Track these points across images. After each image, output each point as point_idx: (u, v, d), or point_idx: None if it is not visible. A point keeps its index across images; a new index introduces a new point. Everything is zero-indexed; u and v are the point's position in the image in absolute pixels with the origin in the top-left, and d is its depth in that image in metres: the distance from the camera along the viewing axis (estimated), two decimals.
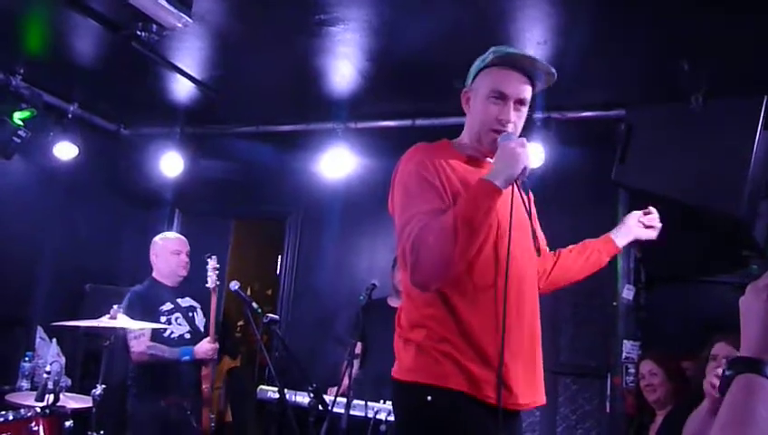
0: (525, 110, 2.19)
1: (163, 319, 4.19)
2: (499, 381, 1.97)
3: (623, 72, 4.09)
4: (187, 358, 4.11)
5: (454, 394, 1.98)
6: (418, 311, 2.09)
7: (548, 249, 2.44)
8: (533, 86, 2.19)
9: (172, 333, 4.23)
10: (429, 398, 1.99)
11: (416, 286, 2.01)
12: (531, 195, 2.21)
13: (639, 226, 2.51)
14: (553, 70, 2.16)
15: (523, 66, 2.15)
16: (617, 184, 4.13)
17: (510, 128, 2.13)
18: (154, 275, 4.41)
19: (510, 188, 2.04)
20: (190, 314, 4.36)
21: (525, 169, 2.00)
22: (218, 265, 4.34)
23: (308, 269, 6.00)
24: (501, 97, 2.14)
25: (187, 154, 5.65)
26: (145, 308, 4.14)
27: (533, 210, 2.29)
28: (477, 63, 2.22)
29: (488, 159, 2.20)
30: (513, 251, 2.04)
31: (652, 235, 2.51)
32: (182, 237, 4.54)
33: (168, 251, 4.38)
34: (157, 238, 4.53)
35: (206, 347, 4.14)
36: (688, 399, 3.46)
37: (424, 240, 1.91)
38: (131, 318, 3.85)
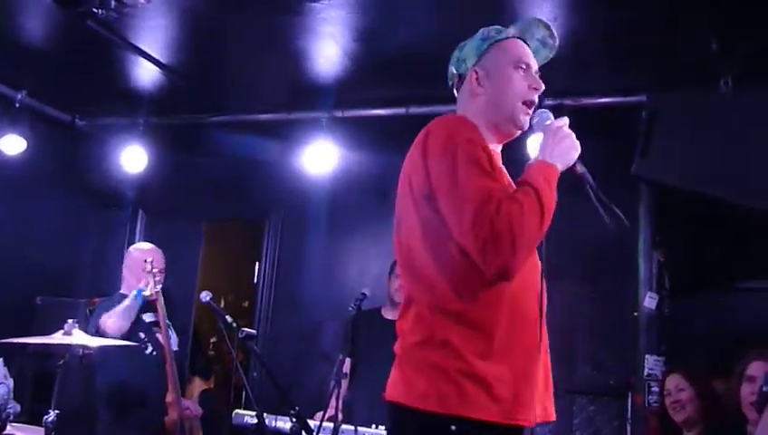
0: None
1: (142, 335, 4.23)
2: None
3: (643, 52, 4.08)
4: (137, 294, 4.23)
5: (481, 425, 1.92)
6: (438, 323, 1.99)
7: None
8: None
9: (153, 351, 4.34)
10: (453, 427, 1.91)
11: (497, 273, 1.90)
12: None
13: None
14: (556, 45, 2.28)
15: (534, 39, 2.27)
16: (637, 179, 4.13)
17: (536, 97, 2.20)
18: (123, 290, 4.45)
19: None
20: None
21: (579, 157, 2.08)
22: (155, 269, 4.34)
23: (289, 277, 5.98)
24: (527, 67, 2.21)
25: (152, 148, 5.62)
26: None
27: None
28: (488, 36, 2.26)
29: (497, 145, 2.24)
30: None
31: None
32: (156, 250, 4.58)
33: (139, 266, 4.42)
34: (131, 248, 4.67)
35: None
36: (720, 420, 3.47)
37: (517, 217, 1.86)
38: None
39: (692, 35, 3.72)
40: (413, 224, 2.05)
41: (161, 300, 4.25)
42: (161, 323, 4.22)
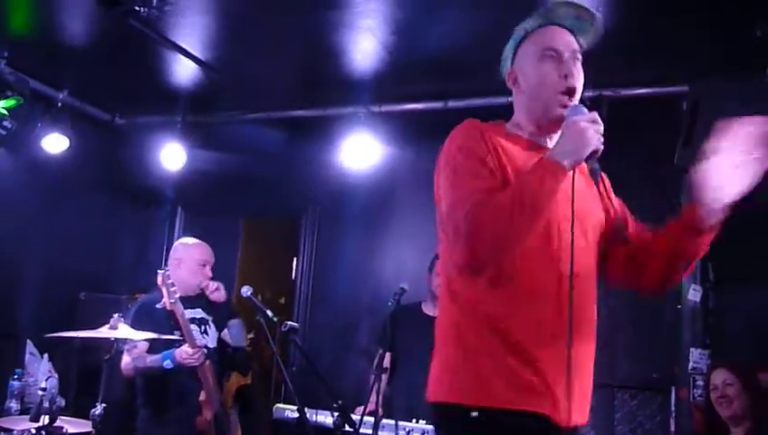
0: (581, 66, 2.19)
1: (177, 334, 4.21)
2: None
3: (685, 41, 4.04)
4: (168, 362, 4.09)
5: (499, 413, 1.98)
6: (460, 311, 2.10)
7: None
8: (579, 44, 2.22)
9: None
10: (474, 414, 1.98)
11: (466, 268, 2.03)
12: (604, 177, 2.21)
13: (720, 172, 2.06)
14: (599, 17, 2.21)
15: (566, 19, 2.21)
16: (680, 170, 4.09)
17: (573, 83, 2.13)
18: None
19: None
20: (202, 328, 4.42)
21: (596, 152, 2.01)
22: (170, 281, 4.19)
23: (326, 273, 6.01)
24: (555, 53, 2.16)
25: (190, 145, 5.69)
26: (154, 321, 4.15)
27: (611, 194, 2.28)
28: (515, 38, 2.26)
29: (549, 139, 2.21)
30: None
31: (744, 181, 2.04)
32: (208, 247, 4.57)
33: (194, 261, 4.42)
34: (179, 244, 4.62)
35: (183, 350, 4.09)
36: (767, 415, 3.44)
37: (478, 217, 1.93)
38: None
39: (735, 23, 3.68)
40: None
41: (180, 309, 4.12)
42: (185, 332, 4.11)
